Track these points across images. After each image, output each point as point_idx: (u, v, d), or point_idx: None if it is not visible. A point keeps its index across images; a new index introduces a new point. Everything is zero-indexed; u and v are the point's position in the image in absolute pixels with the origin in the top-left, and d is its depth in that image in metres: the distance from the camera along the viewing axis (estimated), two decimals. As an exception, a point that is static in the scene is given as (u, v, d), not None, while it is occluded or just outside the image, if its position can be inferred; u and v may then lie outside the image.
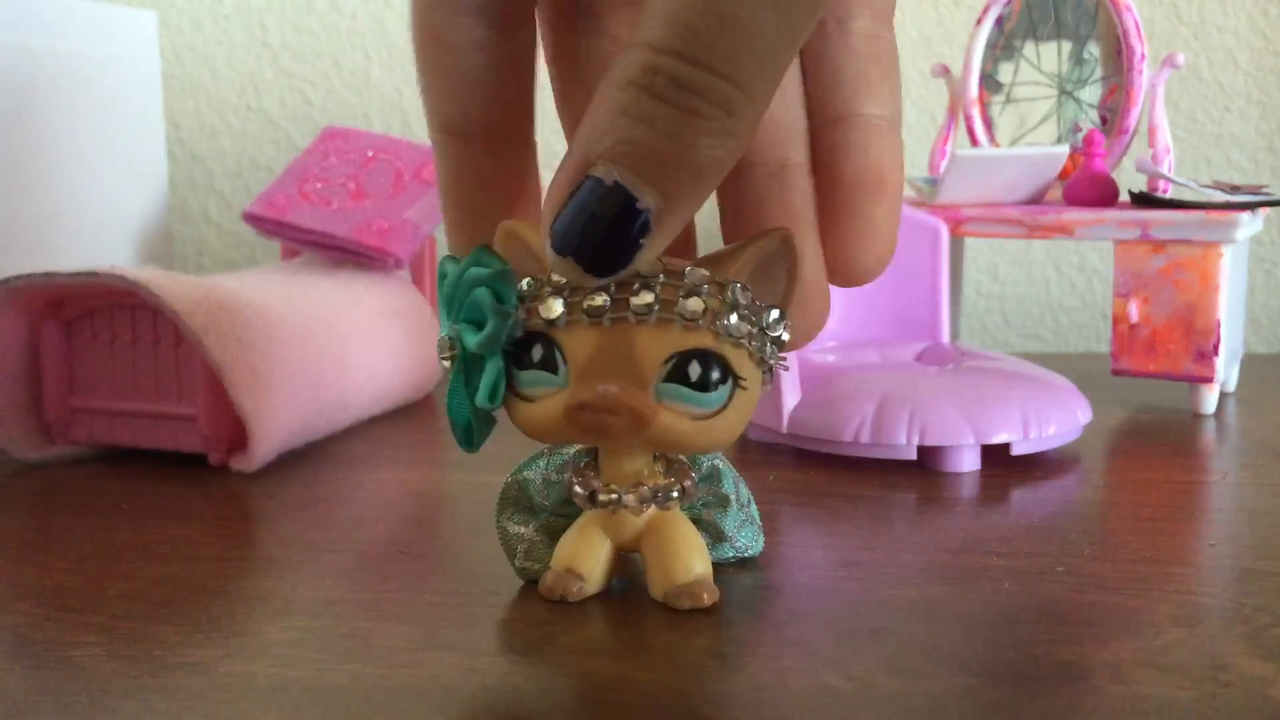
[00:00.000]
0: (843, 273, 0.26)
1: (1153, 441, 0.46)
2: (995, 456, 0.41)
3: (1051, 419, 0.41)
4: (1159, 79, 0.54)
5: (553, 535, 0.30)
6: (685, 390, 0.25)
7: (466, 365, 0.26)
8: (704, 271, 0.24)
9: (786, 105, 0.25)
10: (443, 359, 0.27)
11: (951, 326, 0.57)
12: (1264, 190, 0.53)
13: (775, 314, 0.25)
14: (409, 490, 0.41)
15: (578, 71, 0.27)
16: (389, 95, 0.76)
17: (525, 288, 0.25)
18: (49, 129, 0.55)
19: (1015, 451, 0.41)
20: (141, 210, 0.62)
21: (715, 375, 0.25)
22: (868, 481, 0.39)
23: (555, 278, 0.25)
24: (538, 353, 0.25)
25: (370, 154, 0.56)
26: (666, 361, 0.24)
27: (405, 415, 0.52)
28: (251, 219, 0.54)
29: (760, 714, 0.23)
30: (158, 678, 0.25)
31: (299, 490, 0.40)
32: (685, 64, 0.20)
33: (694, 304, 0.24)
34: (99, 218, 0.59)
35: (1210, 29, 0.70)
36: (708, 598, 0.28)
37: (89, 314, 0.44)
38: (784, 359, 0.26)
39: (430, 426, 0.51)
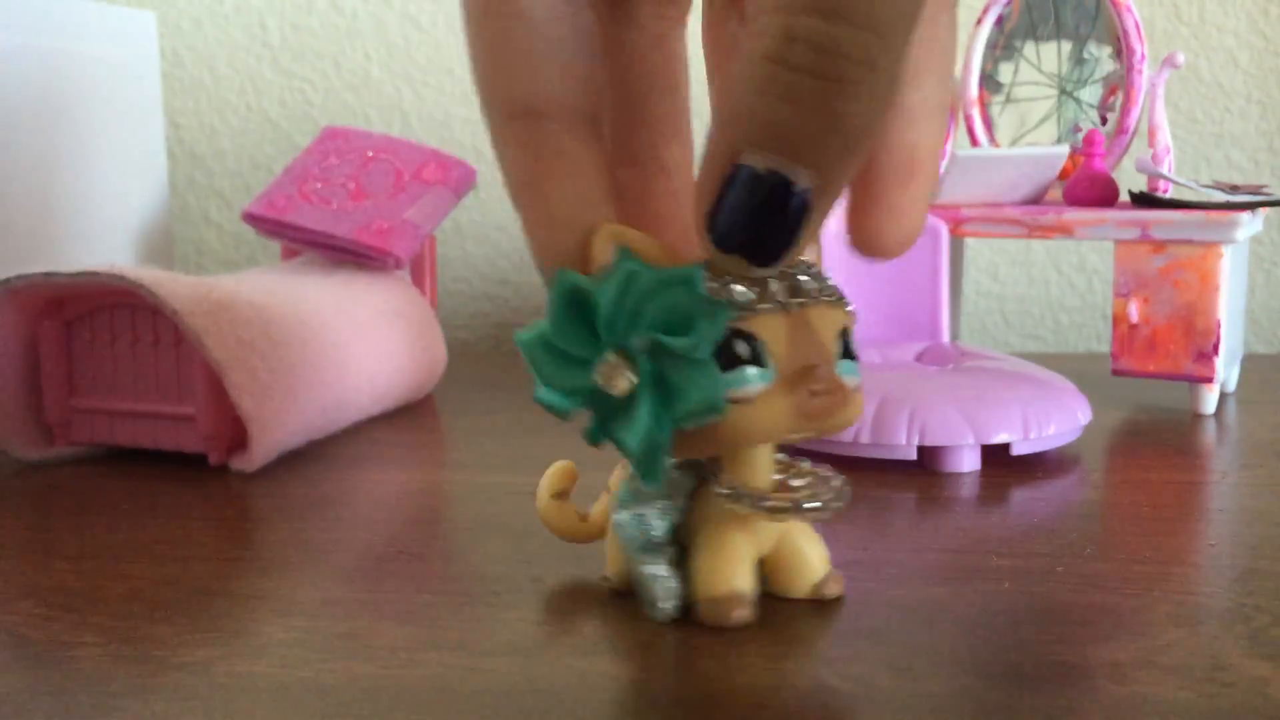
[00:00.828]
0: (866, 247, 0.25)
1: (1153, 441, 0.46)
2: (995, 456, 0.41)
3: (1051, 419, 0.41)
4: (1159, 79, 0.54)
5: (674, 565, 0.28)
6: (852, 364, 0.26)
7: (656, 382, 0.24)
8: (811, 259, 0.26)
9: None
10: (616, 384, 0.24)
11: (951, 326, 0.57)
12: (1264, 190, 0.53)
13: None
14: (409, 490, 0.41)
15: (654, 56, 0.26)
16: (389, 95, 0.76)
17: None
18: (49, 129, 0.55)
19: (1015, 451, 0.41)
20: (141, 210, 0.62)
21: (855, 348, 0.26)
22: (868, 481, 0.39)
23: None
24: (743, 349, 0.24)
25: (370, 154, 0.56)
26: (838, 339, 0.25)
27: (405, 415, 0.52)
28: (251, 219, 0.54)
29: (760, 714, 0.23)
30: (158, 678, 0.25)
31: (299, 490, 0.40)
32: (822, 20, 0.19)
33: (832, 281, 0.26)
34: (99, 218, 0.59)
35: (1210, 29, 0.70)
36: (839, 587, 0.29)
37: (89, 314, 0.44)
38: None
39: (430, 426, 0.51)
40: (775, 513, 0.26)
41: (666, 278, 0.23)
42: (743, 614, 0.27)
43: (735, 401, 0.24)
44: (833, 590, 0.28)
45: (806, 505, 0.26)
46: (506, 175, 0.25)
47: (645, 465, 0.24)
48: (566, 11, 0.24)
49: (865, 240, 0.25)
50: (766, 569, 0.28)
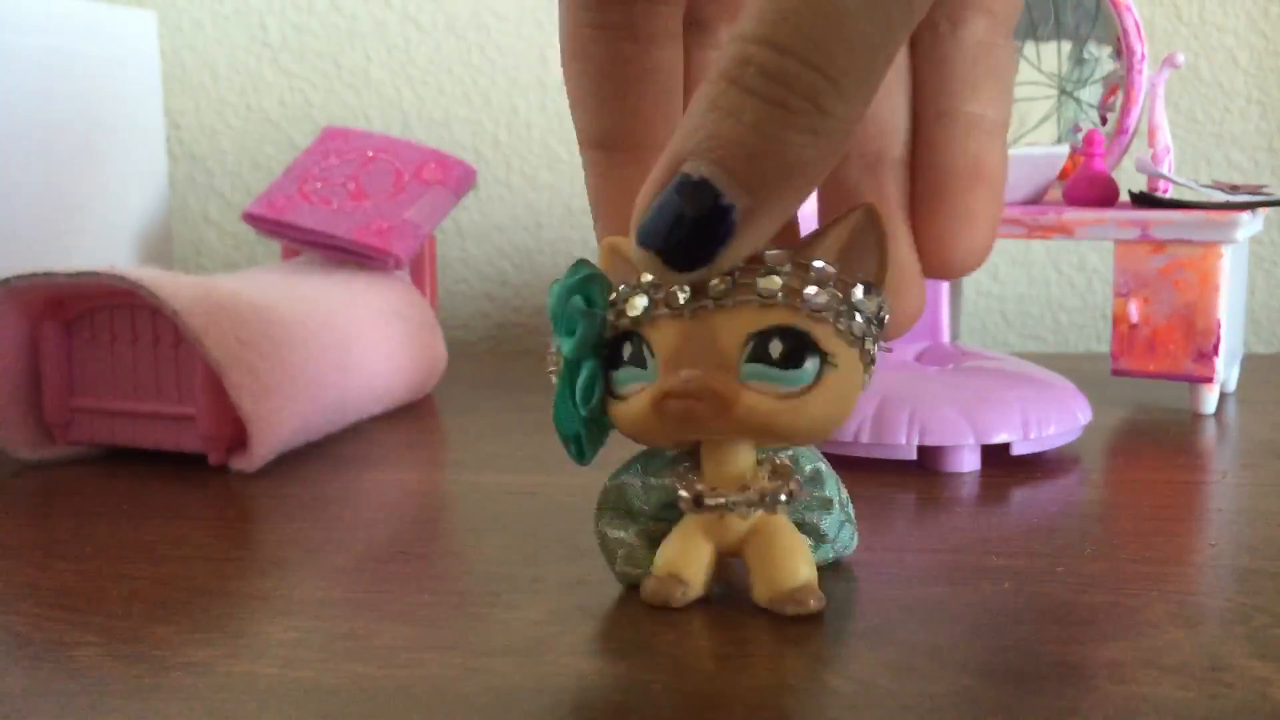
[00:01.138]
0: (936, 261, 0.25)
1: (1153, 441, 0.46)
2: (995, 456, 0.41)
3: (1051, 419, 0.41)
4: (1159, 79, 0.54)
5: (652, 540, 0.29)
6: (767, 369, 0.25)
7: (569, 375, 0.27)
8: (782, 252, 0.24)
9: (891, 102, 0.25)
10: (550, 373, 0.27)
11: (951, 326, 0.57)
12: (1264, 190, 0.53)
13: (862, 288, 0.25)
14: (409, 490, 0.41)
15: (691, 82, 0.28)
16: (389, 95, 0.76)
17: (619, 292, 0.26)
18: (49, 129, 0.55)
19: (1015, 451, 0.41)
20: (141, 210, 0.62)
21: (798, 351, 0.24)
22: (868, 481, 0.39)
23: (645, 278, 0.25)
24: (627, 349, 0.26)
25: (370, 154, 0.56)
26: (747, 342, 0.24)
27: (405, 415, 0.52)
28: (251, 219, 0.54)
29: (760, 714, 0.23)
30: (158, 678, 0.25)
31: (299, 490, 0.40)
32: (775, 52, 0.20)
33: (769, 281, 0.24)
34: (99, 218, 0.59)
35: (1210, 29, 0.70)
36: (814, 603, 0.27)
37: (89, 314, 0.44)
38: (887, 345, 0.26)
39: (430, 426, 0.51)
40: (702, 509, 0.27)
41: (571, 284, 0.26)
42: (672, 596, 0.28)
43: (619, 397, 0.26)
44: (790, 610, 0.27)
45: (709, 501, 0.27)
46: (587, 193, 0.28)
47: (566, 445, 0.28)
48: (635, 53, 0.26)
49: (937, 249, 0.25)
50: (746, 569, 0.28)
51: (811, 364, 0.25)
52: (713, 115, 0.21)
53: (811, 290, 0.24)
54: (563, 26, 0.26)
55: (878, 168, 0.25)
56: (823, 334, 0.25)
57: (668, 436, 0.27)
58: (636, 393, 0.26)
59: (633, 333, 0.26)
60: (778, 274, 0.24)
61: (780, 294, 0.24)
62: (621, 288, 0.26)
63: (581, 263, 0.27)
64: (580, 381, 0.26)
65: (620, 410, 0.26)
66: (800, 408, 0.25)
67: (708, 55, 0.28)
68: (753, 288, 0.24)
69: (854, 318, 0.25)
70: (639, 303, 0.25)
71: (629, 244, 0.25)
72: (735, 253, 0.22)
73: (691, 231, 0.21)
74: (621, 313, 0.26)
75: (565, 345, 0.26)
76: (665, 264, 0.22)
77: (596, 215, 0.28)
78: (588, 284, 0.26)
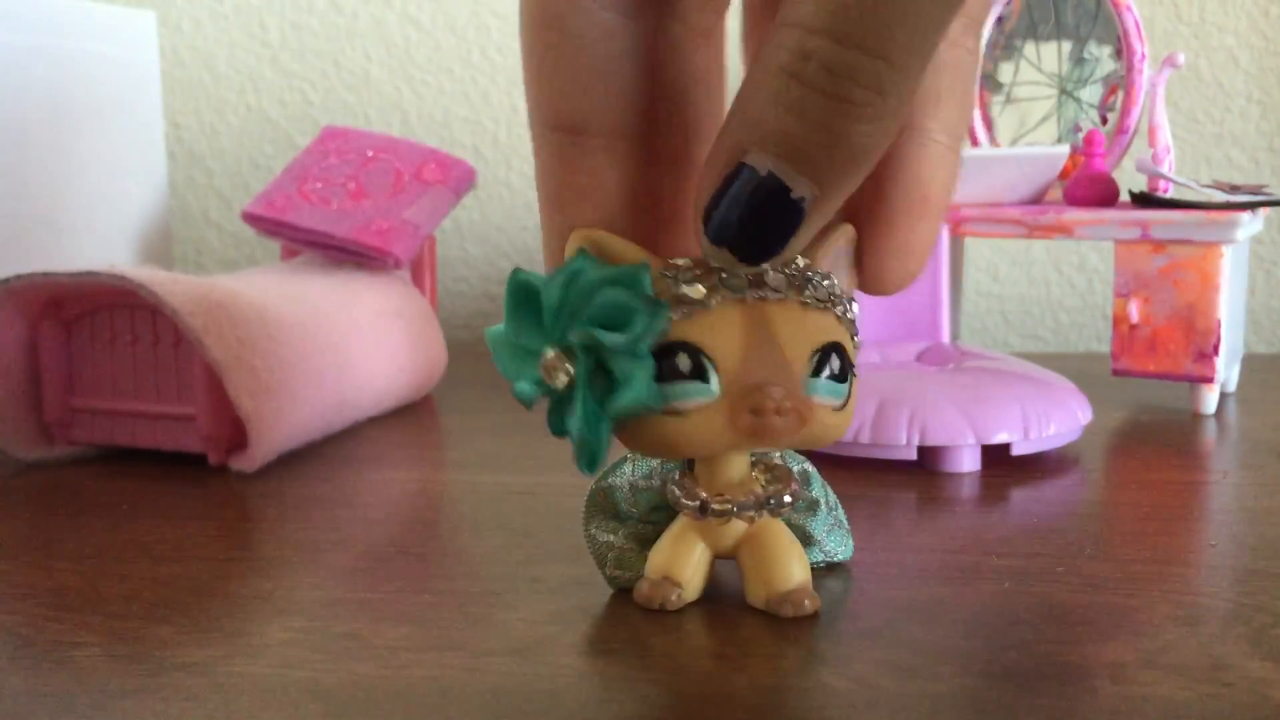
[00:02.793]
0: (871, 284, 0.25)
1: (1153, 441, 0.46)
2: (995, 456, 0.41)
3: (1051, 419, 0.41)
4: (1159, 79, 0.54)
5: (642, 542, 0.29)
6: (830, 384, 0.25)
7: (591, 377, 0.24)
8: (807, 260, 0.25)
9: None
10: (556, 378, 0.24)
11: (951, 326, 0.57)
12: (1264, 190, 0.53)
13: (856, 307, 0.26)
14: (409, 490, 0.41)
15: (657, 60, 0.26)
16: (389, 95, 0.76)
17: (667, 279, 0.24)
18: (49, 129, 0.55)
19: (1015, 451, 0.41)
20: (141, 210, 0.62)
21: (847, 365, 0.25)
22: (868, 481, 0.39)
23: (678, 263, 0.24)
24: (684, 362, 0.24)
25: (370, 154, 0.56)
26: (811, 357, 0.24)
27: (405, 415, 0.52)
28: (251, 219, 0.54)
29: (760, 714, 0.23)
30: (158, 678, 0.25)
31: (299, 490, 0.40)
32: (837, 45, 0.19)
33: (820, 290, 0.24)
34: (99, 218, 0.59)
35: (1210, 29, 0.70)
36: (810, 605, 0.27)
37: (89, 314, 0.44)
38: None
39: (430, 426, 0.51)
40: (709, 515, 0.27)
41: (609, 275, 0.23)
42: (667, 599, 0.28)
43: (673, 412, 0.24)
44: (787, 611, 0.27)
45: (716, 507, 0.27)
46: (538, 182, 0.25)
47: (581, 456, 0.24)
48: (617, 28, 0.24)
49: (870, 278, 0.25)
50: (741, 572, 0.28)
51: (851, 377, 0.25)
52: (775, 110, 0.20)
53: (853, 305, 0.25)
54: None
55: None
56: (849, 346, 0.25)
57: (730, 449, 0.26)
58: (694, 408, 0.24)
59: (683, 343, 0.24)
60: (819, 282, 0.25)
61: (827, 303, 0.25)
62: (655, 279, 0.24)
63: (586, 254, 0.24)
64: (640, 378, 0.23)
65: (672, 426, 0.24)
66: (844, 419, 0.25)
67: (673, 30, 0.25)
68: (803, 289, 0.24)
69: (853, 330, 0.26)
70: (696, 290, 0.24)
71: (611, 240, 0.24)
72: (803, 239, 0.22)
73: (765, 225, 0.21)
74: (670, 303, 0.24)
75: (614, 338, 0.23)
76: (740, 258, 0.22)
77: (555, 204, 0.25)
78: (637, 276, 0.23)
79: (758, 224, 0.21)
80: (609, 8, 0.23)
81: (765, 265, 0.23)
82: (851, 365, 0.25)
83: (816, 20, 0.19)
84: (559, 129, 0.24)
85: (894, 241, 0.25)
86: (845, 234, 0.25)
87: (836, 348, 0.25)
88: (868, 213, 0.25)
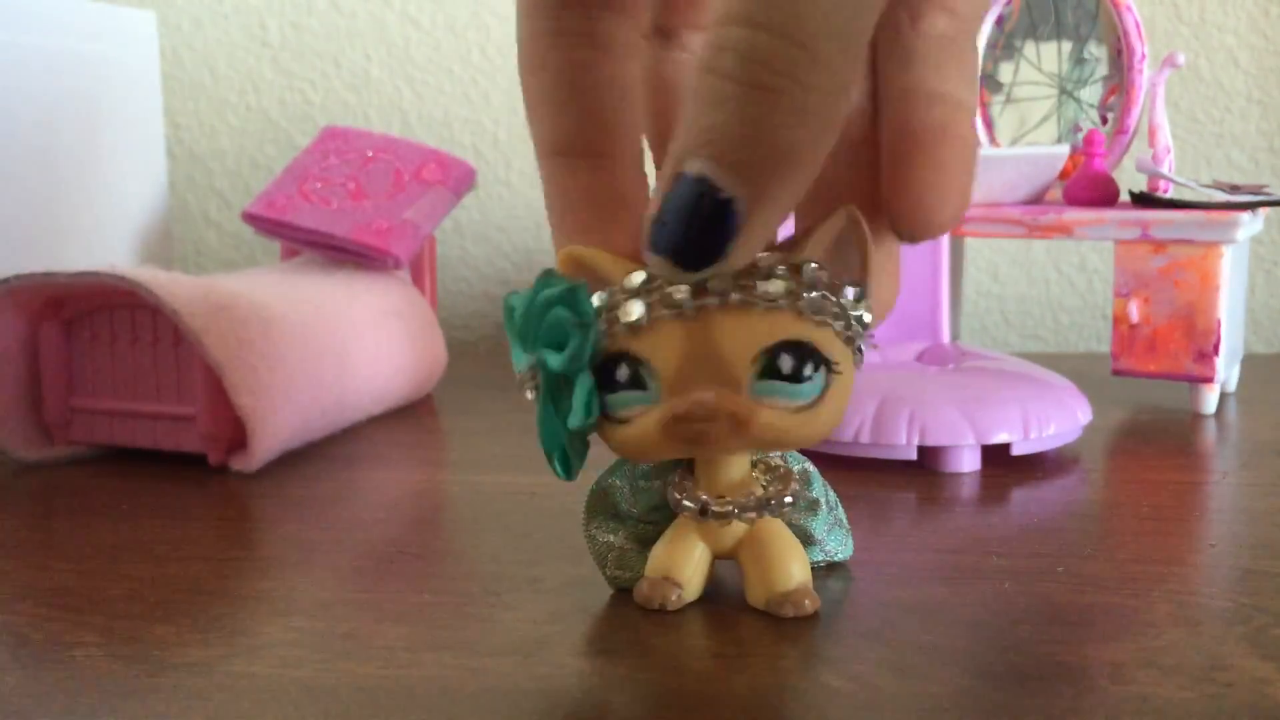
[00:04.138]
0: (913, 221, 0.24)
1: (1153, 441, 0.46)
2: (995, 456, 0.41)
3: (1051, 419, 0.41)
4: (1159, 79, 0.54)
5: (643, 542, 0.29)
6: (780, 385, 0.24)
7: (552, 391, 0.25)
8: (776, 255, 0.24)
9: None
10: (527, 391, 0.26)
11: (951, 326, 0.57)
12: (1264, 190, 0.53)
13: (853, 291, 0.25)
14: (409, 490, 0.41)
15: (658, 92, 0.28)
16: (389, 95, 0.76)
17: (599, 302, 0.25)
18: (49, 129, 0.55)
19: (1015, 451, 0.41)
20: (141, 210, 0.62)
21: (807, 364, 0.24)
22: (868, 481, 0.39)
23: (632, 282, 0.24)
24: (624, 372, 0.25)
25: (370, 154, 0.56)
26: (756, 359, 0.24)
27: (405, 415, 0.52)
28: (251, 219, 0.54)
29: (760, 714, 0.23)
30: (158, 678, 0.25)
31: (299, 490, 0.40)
32: (748, 29, 0.19)
33: (774, 285, 0.24)
34: (99, 218, 0.59)
35: (1210, 29, 0.70)
36: (810, 605, 0.27)
37: (89, 314, 0.44)
38: (872, 339, 0.26)
39: (430, 426, 0.51)
40: (709, 518, 0.27)
41: (553, 296, 0.25)
42: (667, 599, 0.28)
43: (617, 420, 0.25)
44: (788, 611, 0.27)
45: (716, 509, 0.27)
46: (546, 208, 0.27)
47: (550, 462, 0.26)
48: (592, 60, 0.25)
49: (909, 208, 0.24)
50: (741, 572, 0.28)
51: (820, 375, 0.24)
52: (698, 108, 0.20)
53: (813, 295, 0.24)
54: (521, 40, 0.26)
55: (839, 151, 0.24)
56: (824, 340, 0.24)
57: (673, 455, 0.26)
58: (637, 415, 0.25)
59: (624, 354, 0.25)
60: (777, 277, 0.24)
61: (782, 299, 0.24)
62: (600, 297, 0.25)
63: (550, 273, 0.25)
64: (578, 398, 0.25)
65: (618, 433, 0.25)
66: (812, 419, 0.25)
67: (675, 60, 0.27)
68: (752, 289, 0.24)
69: (848, 319, 0.25)
70: (634, 308, 0.24)
71: (593, 255, 0.25)
72: (746, 246, 0.21)
73: (699, 230, 0.21)
74: (614, 321, 0.25)
75: (553, 360, 0.25)
76: (678, 265, 0.22)
77: (556, 224, 0.26)
78: (574, 295, 0.25)
79: (692, 230, 0.21)
80: (586, 46, 0.25)
81: (710, 274, 0.22)
82: (821, 361, 0.24)
83: (730, 10, 0.20)
84: (552, 154, 0.26)
85: (920, 162, 0.23)
86: (844, 215, 0.24)
87: (790, 346, 0.24)
88: (890, 154, 0.24)
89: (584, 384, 0.25)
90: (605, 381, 0.25)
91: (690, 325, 0.24)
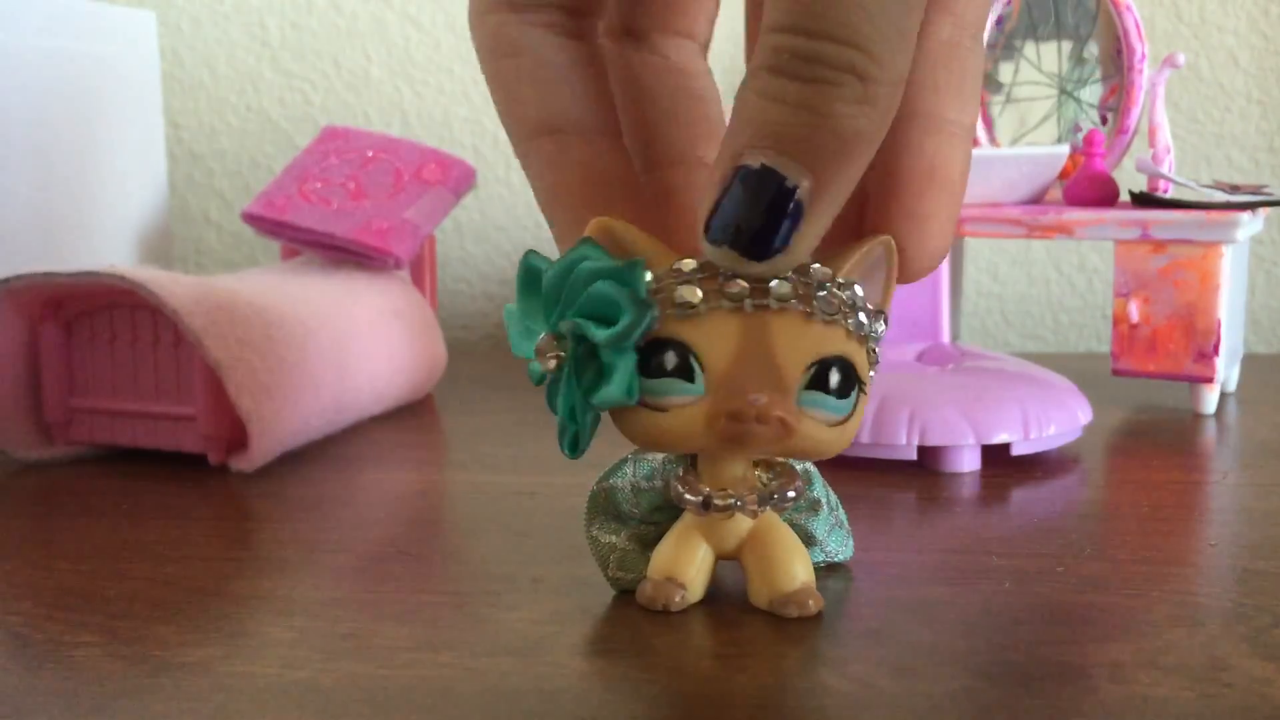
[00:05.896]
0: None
1: (1153, 441, 0.46)
2: (995, 456, 0.41)
3: (1051, 419, 0.41)
4: (1159, 79, 0.54)
5: (644, 543, 0.29)
6: (826, 398, 0.24)
7: (578, 365, 0.24)
8: (827, 269, 0.24)
9: None
10: (546, 361, 0.25)
11: (951, 326, 0.57)
12: (1264, 190, 0.53)
13: (883, 322, 0.25)
14: (409, 490, 0.41)
15: (630, 89, 0.28)
16: (389, 95, 0.76)
17: (657, 281, 0.24)
18: (49, 129, 0.55)
19: (1015, 451, 0.41)
20: (141, 210, 0.62)
21: (850, 381, 0.24)
22: (868, 481, 0.39)
23: (684, 266, 0.24)
24: (670, 360, 0.24)
25: (370, 154, 0.56)
26: (809, 368, 0.24)
27: (405, 415, 0.52)
28: (251, 219, 0.54)
29: (760, 714, 0.23)
30: (158, 678, 0.25)
31: (299, 490, 0.40)
32: (805, 38, 0.20)
33: (831, 297, 0.24)
34: (99, 218, 0.59)
35: (1210, 29, 0.70)
36: (814, 605, 0.27)
37: (89, 314, 0.44)
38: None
39: (430, 426, 0.51)
40: (712, 510, 0.27)
41: (604, 269, 0.24)
42: (671, 600, 0.27)
43: (656, 407, 0.24)
44: (791, 612, 0.27)
45: (718, 502, 0.26)
46: (535, 190, 0.26)
47: (563, 438, 0.25)
48: (566, 43, 0.26)
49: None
50: (743, 573, 0.28)
51: (854, 394, 0.25)
52: (758, 104, 0.21)
53: (863, 318, 0.24)
54: (479, 31, 0.26)
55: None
56: (859, 360, 0.25)
57: (704, 450, 0.26)
58: (679, 405, 0.24)
59: (673, 340, 0.24)
60: (837, 291, 0.24)
61: (839, 315, 0.24)
62: (659, 276, 0.24)
63: (590, 242, 0.24)
64: (620, 374, 0.24)
65: (654, 421, 0.24)
66: (841, 435, 0.25)
67: (646, 61, 0.27)
68: (811, 300, 0.24)
69: (874, 344, 0.25)
70: (695, 292, 0.24)
71: (624, 228, 0.25)
72: (809, 234, 0.22)
73: (763, 220, 0.22)
74: (666, 304, 0.24)
75: (599, 333, 0.24)
76: (743, 256, 0.22)
77: (555, 204, 0.26)
78: (631, 271, 0.24)
79: (757, 218, 0.22)
80: (554, 31, 0.26)
81: (772, 268, 0.22)
82: (860, 382, 0.25)
83: (785, 19, 0.20)
84: (539, 133, 0.26)
85: (902, 208, 0.24)
86: (882, 243, 0.25)
87: (839, 362, 0.24)
88: (875, 187, 0.25)
89: (628, 363, 0.24)
90: (644, 365, 0.24)
91: (747, 322, 0.24)
